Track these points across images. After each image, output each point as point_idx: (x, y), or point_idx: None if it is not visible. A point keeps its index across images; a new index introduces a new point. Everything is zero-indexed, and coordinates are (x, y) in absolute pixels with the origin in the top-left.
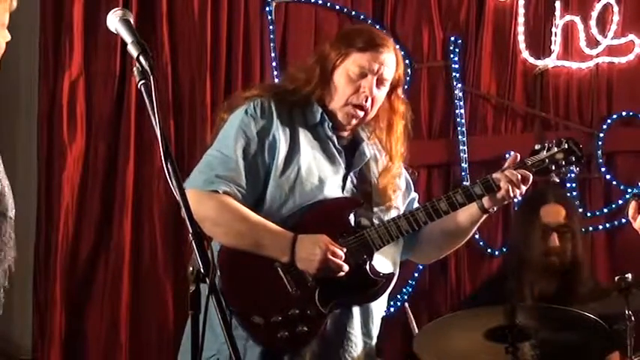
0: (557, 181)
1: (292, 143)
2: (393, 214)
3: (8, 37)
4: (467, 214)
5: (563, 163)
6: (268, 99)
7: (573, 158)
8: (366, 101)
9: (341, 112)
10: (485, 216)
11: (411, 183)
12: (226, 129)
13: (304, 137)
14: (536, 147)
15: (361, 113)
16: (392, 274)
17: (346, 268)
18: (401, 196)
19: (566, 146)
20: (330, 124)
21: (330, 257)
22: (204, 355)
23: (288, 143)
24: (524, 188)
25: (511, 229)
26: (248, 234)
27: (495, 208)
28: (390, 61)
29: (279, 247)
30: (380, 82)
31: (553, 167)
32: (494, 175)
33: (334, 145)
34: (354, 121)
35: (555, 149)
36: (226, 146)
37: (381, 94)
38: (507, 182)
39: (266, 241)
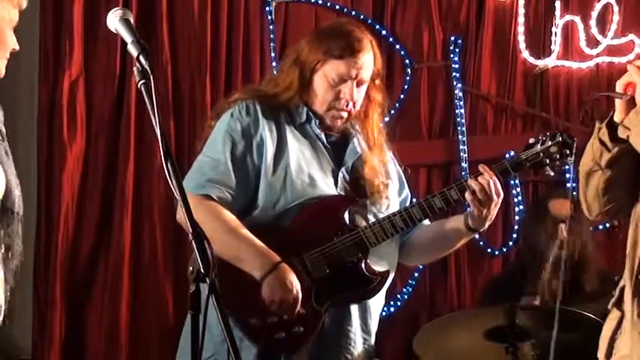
0: (552, 174)
1: (280, 142)
2: (387, 208)
3: (17, 46)
4: (455, 228)
5: (558, 156)
6: (253, 101)
7: (567, 151)
8: (347, 106)
9: (326, 117)
10: (471, 235)
11: (404, 180)
12: (214, 134)
13: (292, 136)
14: (531, 141)
15: (345, 114)
16: (387, 272)
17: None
18: (394, 190)
19: (560, 139)
20: (317, 121)
21: (290, 302)
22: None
23: (275, 143)
24: (493, 186)
25: (523, 231)
26: (231, 245)
27: (483, 227)
28: (368, 63)
29: (257, 265)
30: (360, 84)
31: (547, 161)
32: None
33: (323, 143)
34: (339, 122)
35: (549, 143)
36: (215, 150)
37: (361, 93)
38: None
39: (245, 255)
